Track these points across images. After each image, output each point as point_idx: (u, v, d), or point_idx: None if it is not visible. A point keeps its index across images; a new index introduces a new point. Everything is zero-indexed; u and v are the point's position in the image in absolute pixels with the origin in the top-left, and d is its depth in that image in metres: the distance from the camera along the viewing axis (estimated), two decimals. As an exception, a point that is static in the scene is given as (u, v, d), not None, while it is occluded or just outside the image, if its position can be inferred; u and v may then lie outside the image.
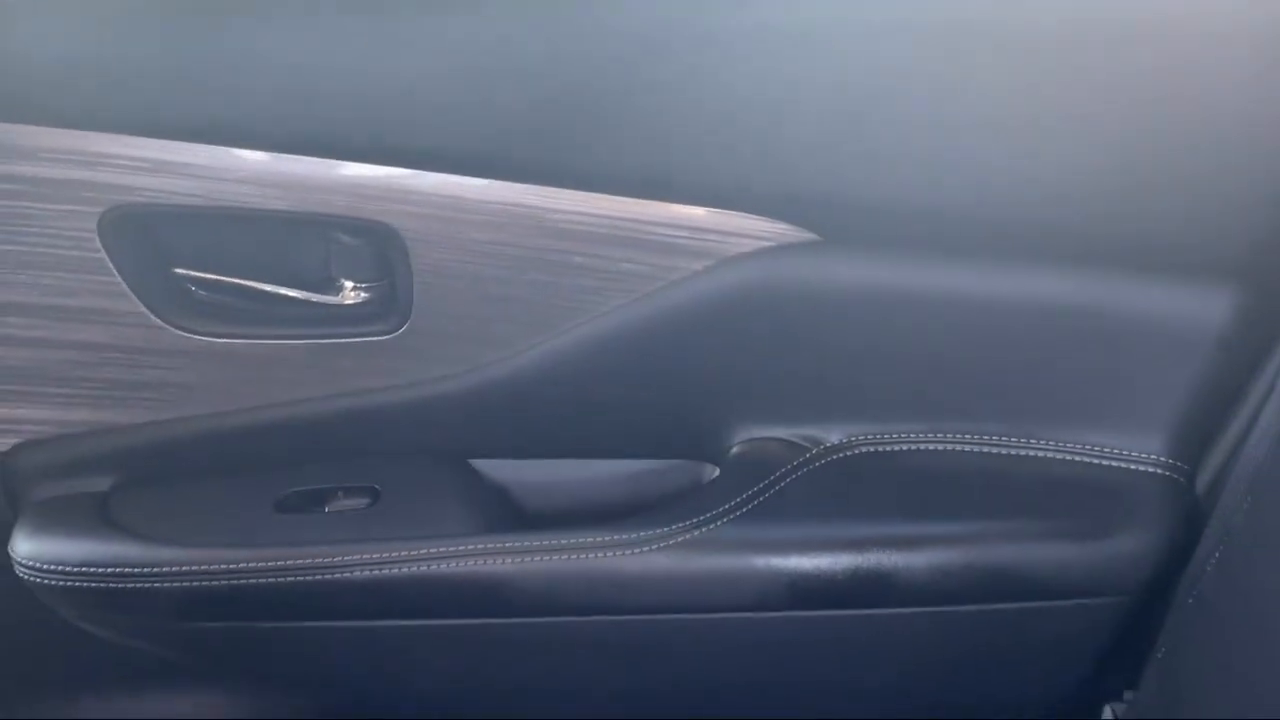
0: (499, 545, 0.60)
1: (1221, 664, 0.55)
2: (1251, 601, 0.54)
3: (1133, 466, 0.62)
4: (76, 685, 0.68)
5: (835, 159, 0.58)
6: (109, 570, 0.59)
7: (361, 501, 0.64)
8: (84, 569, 0.59)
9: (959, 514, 0.61)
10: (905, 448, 0.64)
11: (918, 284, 0.61)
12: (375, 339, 0.63)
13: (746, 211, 0.60)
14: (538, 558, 0.60)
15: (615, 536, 0.60)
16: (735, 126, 0.57)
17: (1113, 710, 0.63)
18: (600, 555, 0.60)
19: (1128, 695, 0.63)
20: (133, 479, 0.64)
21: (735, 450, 0.66)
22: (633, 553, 0.60)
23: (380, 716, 0.66)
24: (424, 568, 0.60)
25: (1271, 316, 0.58)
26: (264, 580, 0.59)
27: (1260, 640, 0.52)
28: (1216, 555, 0.58)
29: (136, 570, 0.59)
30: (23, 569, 0.60)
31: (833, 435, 0.65)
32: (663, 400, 0.65)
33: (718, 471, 0.66)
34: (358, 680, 0.64)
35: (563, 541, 0.60)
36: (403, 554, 0.60)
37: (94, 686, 0.68)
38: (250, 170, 0.58)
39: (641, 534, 0.60)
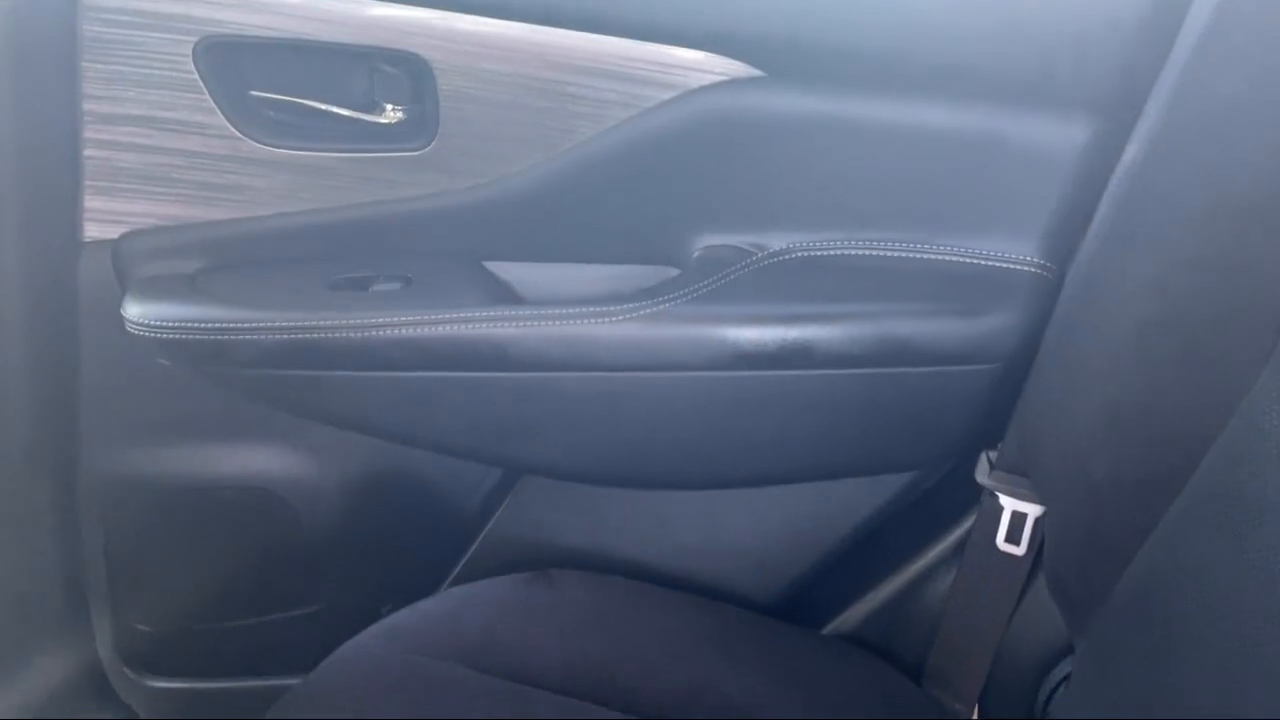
0: (503, 314, 0.76)
1: (1061, 414, 0.71)
2: (1079, 365, 0.70)
3: (1008, 266, 0.78)
4: (166, 430, 0.85)
5: (778, 5, 0.73)
6: (197, 325, 0.76)
7: (396, 285, 0.80)
8: (178, 324, 0.76)
9: (867, 299, 0.78)
10: (830, 253, 0.80)
11: (841, 115, 0.77)
12: (409, 154, 0.79)
13: (706, 50, 0.75)
14: (533, 324, 0.76)
15: (595, 308, 0.76)
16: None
17: (988, 457, 0.80)
18: (583, 322, 0.76)
19: (1000, 445, 0.80)
20: (216, 264, 0.80)
21: (696, 255, 0.82)
22: (609, 321, 0.76)
23: (413, 445, 0.83)
24: (443, 330, 0.76)
25: (1118, 140, 0.73)
26: (318, 336, 0.76)
27: (1084, 388, 0.68)
28: (1058, 329, 0.74)
29: (218, 325, 0.76)
30: (132, 326, 0.76)
31: (775, 243, 0.81)
32: (638, 212, 0.81)
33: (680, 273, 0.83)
34: (390, 420, 0.80)
35: (554, 311, 0.76)
36: (427, 319, 0.76)
37: (182, 432, 0.85)
38: (315, 10, 0.73)
39: (616, 307, 0.76)
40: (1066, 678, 0.78)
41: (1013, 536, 0.78)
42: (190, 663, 0.93)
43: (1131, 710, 0.60)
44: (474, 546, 0.90)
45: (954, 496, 0.86)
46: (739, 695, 0.73)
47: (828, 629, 0.90)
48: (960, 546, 0.84)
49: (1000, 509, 0.78)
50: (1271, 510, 0.51)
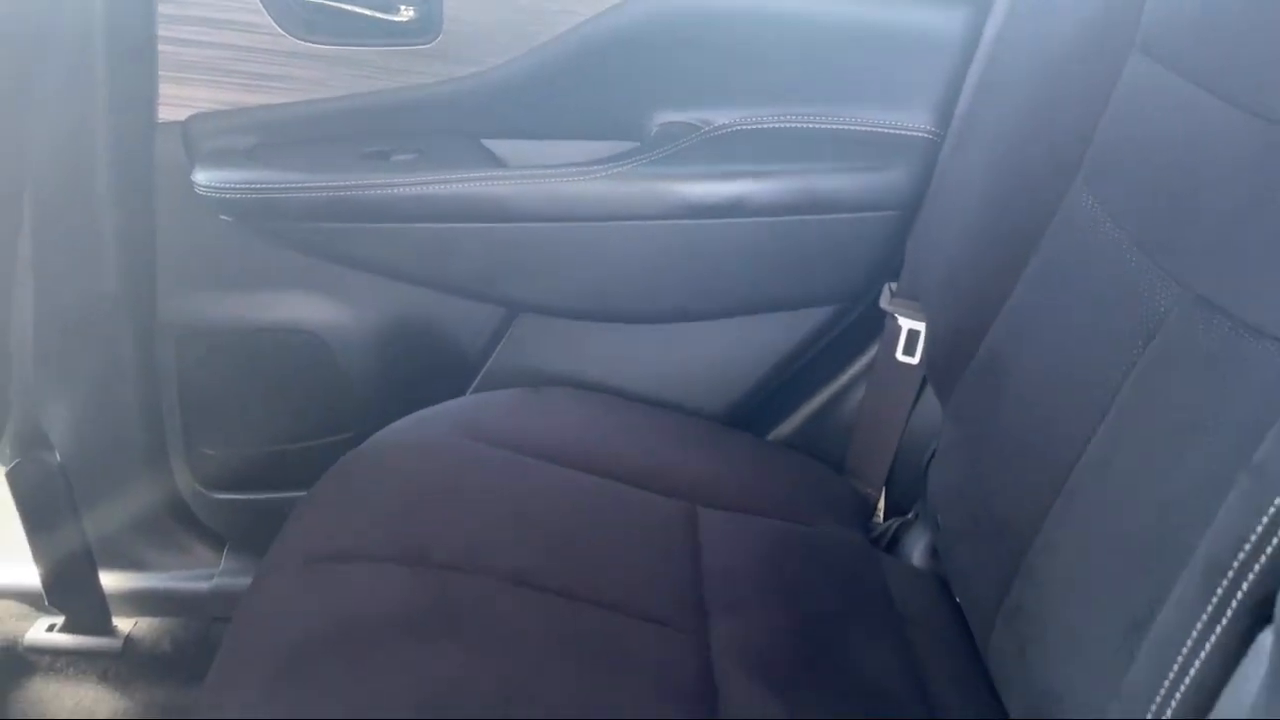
0: (500, 174, 0.95)
1: (938, 244, 0.91)
2: (950, 203, 0.89)
3: (902, 132, 0.97)
4: (227, 283, 1.04)
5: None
6: (253, 186, 0.94)
7: (411, 156, 0.99)
8: (238, 186, 0.94)
9: (791, 160, 0.97)
10: (761, 126, 0.99)
11: (763, 11, 0.95)
12: (420, 47, 0.97)
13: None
14: (526, 182, 0.95)
15: (576, 168, 0.95)
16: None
17: (889, 288, 0.99)
18: (566, 180, 0.95)
19: (899, 278, 0.99)
20: (267, 139, 0.98)
21: (654, 130, 1.01)
22: (587, 179, 0.95)
23: (427, 286, 1.02)
24: (451, 188, 0.95)
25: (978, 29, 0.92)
26: (350, 194, 0.95)
27: (954, 220, 0.87)
28: (938, 179, 0.93)
29: (270, 186, 0.94)
30: (200, 189, 0.95)
31: (718, 119, 1.00)
32: (606, 96, 1.00)
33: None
34: (409, 264, 1.00)
35: (543, 171, 0.95)
36: (438, 179, 0.95)
37: (239, 285, 1.04)
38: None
39: (593, 167, 0.95)
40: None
41: (908, 349, 0.98)
42: (249, 479, 1.13)
43: (974, 445, 0.81)
44: (479, 377, 1.10)
45: (866, 327, 1.06)
46: (703, 475, 0.93)
47: (770, 436, 1.10)
48: (871, 365, 1.04)
49: (899, 328, 0.98)
50: (1081, 279, 0.70)
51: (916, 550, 0.94)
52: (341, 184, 0.95)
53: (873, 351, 1.05)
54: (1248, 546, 0.47)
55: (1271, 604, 0.46)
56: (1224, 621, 0.48)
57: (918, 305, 0.97)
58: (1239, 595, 0.47)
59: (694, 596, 0.79)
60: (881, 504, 1.04)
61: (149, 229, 1.01)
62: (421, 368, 1.10)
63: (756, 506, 0.91)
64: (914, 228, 0.97)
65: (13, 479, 1.04)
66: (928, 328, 0.94)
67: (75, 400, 1.04)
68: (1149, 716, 0.51)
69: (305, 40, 0.96)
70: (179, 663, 1.12)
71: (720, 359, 1.07)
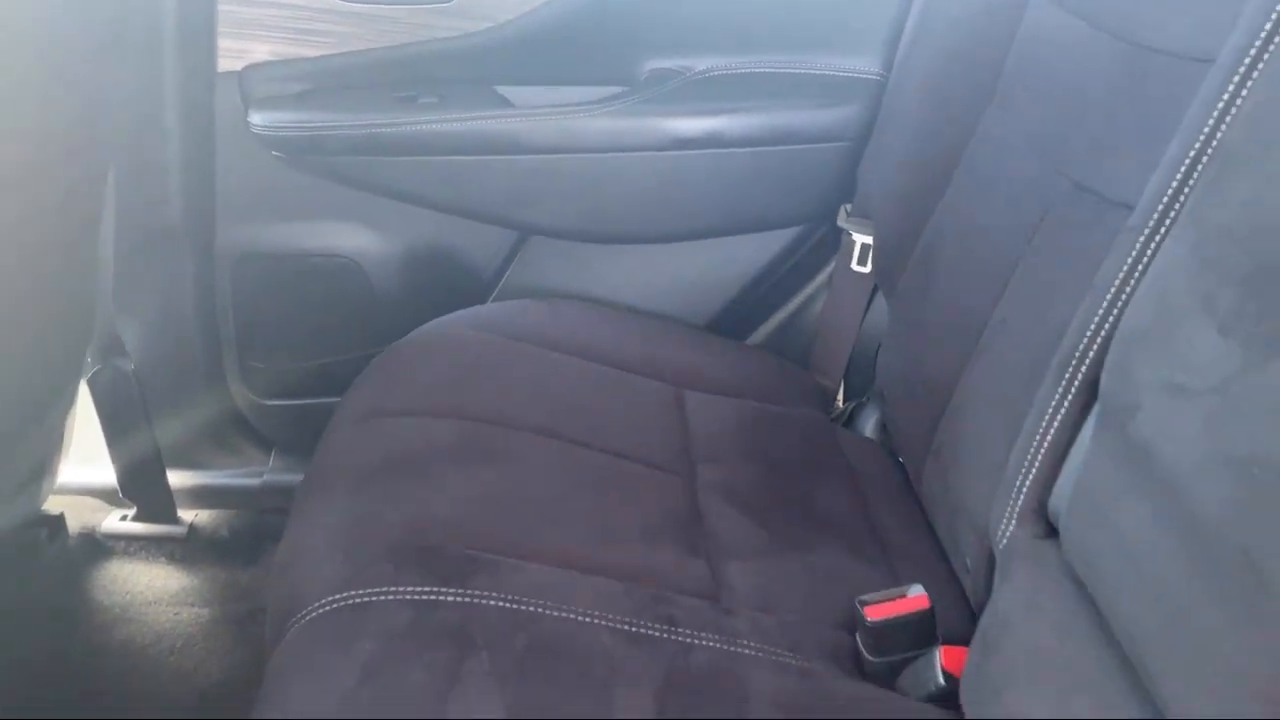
0: (513, 112, 1.12)
1: (882, 166, 1.08)
2: (891, 131, 1.06)
3: (855, 75, 1.14)
4: (277, 213, 1.20)
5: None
6: (302, 124, 1.11)
7: (435, 100, 1.15)
8: (288, 125, 1.11)
9: (760, 99, 1.14)
10: (736, 71, 1.16)
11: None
12: (441, 5, 1.13)
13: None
14: (535, 119, 1.12)
15: (579, 106, 1.12)
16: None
17: (845, 209, 1.16)
18: (570, 117, 1.12)
19: (853, 200, 1.16)
20: (312, 86, 1.14)
21: (645, 75, 1.17)
22: (588, 116, 1.12)
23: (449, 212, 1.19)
24: (471, 125, 1.12)
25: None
26: (384, 131, 1.12)
27: (893, 144, 1.04)
28: (883, 113, 1.10)
29: (316, 124, 1.11)
30: (255, 128, 1.11)
31: (700, 65, 1.16)
32: (602, 46, 1.16)
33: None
34: (435, 193, 1.16)
35: (549, 109, 1.12)
36: (459, 117, 1.11)
37: (287, 215, 1.20)
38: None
39: (593, 106, 1.12)
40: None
41: (861, 260, 1.15)
42: (293, 388, 1.30)
43: (910, 328, 0.98)
44: (494, 295, 1.26)
45: (826, 245, 1.23)
46: (688, 366, 1.10)
47: (750, 339, 1.28)
48: (830, 277, 1.21)
49: (853, 243, 1.15)
50: (992, 182, 0.87)
51: (868, 425, 1.12)
52: (376, 123, 1.12)
53: (832, 265, 1.22)
54: (1084, 342, 0.64)
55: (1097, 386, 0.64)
56: (1065, 407, 0.65)
57: (868, 222, 1.14)
58: (1077, 382, 0.64)
59: (682, 451, 0.96)
60: (841, 394, 1.21)
61: (209, 166, 1.17)
62: (443, 287, 1.26)
63: (734, 392, 1.09)
64: (864, 155, 1.14)
65: (93, 385, 1.20)
66: (875, 238, 1.11)
67: (145, 317, 1.21)
68: (1013, 494, 0.69)
69: (344, 1, 1.12)
70: (235, 547, 1.29)
71: (701, 275, 1.25)
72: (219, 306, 1.25)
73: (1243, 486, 0.48)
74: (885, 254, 1.08)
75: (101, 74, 1.05)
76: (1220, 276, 0.53)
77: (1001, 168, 0.89)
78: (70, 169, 0.99)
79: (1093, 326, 0.64)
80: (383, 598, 0.68)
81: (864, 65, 1.14)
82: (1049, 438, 0.67)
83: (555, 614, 0.70)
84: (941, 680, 0.71)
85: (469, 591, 0.69)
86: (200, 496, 1.31)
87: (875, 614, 0.75)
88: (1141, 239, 0.63)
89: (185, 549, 1.28)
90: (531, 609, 0.69)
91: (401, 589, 0.69)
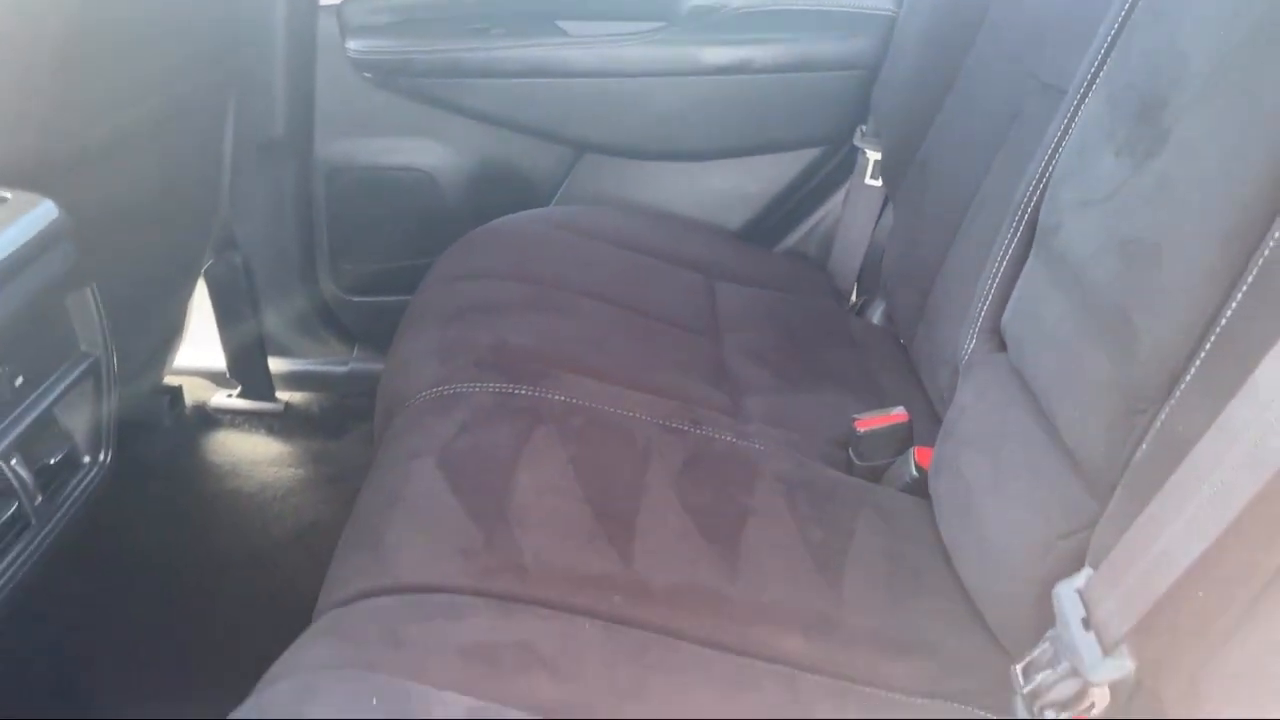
0: (568, 40, 1.29)
1: (892, 90, 1.24)
2: (901, 60, 1.22)
3: (871, 11, 1.31)
4: (365, 129, 1.39)
5: None
6: (391, 49, 1.30)
7: (504, 31, 1.33)
8: (379, 50, 1.30)
9: (787, 31, 1.31)
10: (766, 7, 1.33)
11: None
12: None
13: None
14: (588, 46, 1.30)
15: (627, 33, 1.29)
16: None
17: (860, 129, 1.32)
18: (619, 45, 1.30)
19: (866, 125, 1.32)
20: (398, 18, 1.33)
21: (686, 11, 1.34)
22: (633, 45, 1.30)
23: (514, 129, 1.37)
24: (532, 51, 1.30)
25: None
26: (461, 56, 1.31)
27: (903, 74, 1.20)
28: (893, 44, 1.26)
29: (403, 49, 1.29)
30: (351, 53, 1.30)
31: (735, 2, 1.33)
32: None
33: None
34: (502, 111, 1.34)
35: (600, 36, 1.29)
36: (523, 44, 1.30)
37: (374, 131, 1.39)
38: None
39: (640, 33, 1.29)
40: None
41: (874, 175, 1.31)
42: (375, 286, 1.49)
43: (909, 223, 1.14)
44: (552, 204, 1.44)
45: (844, 164, 1.39)
46: (719, 262, 1.27)
47: (776, 248, 1.45)
48: (847, 192, 1.38)
49: (867, 160, 1.32)
50: (979, 93, 1.03)
51: (875, 315, 1.28)
52: (454, 48, 1.31)
53: (849, 182, 1.38)
54: (1029, 191, 0.80)
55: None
56: (1014, 243, 0.81)
57: (879, 141, 1.30)
58: (1023, 224, 0.81)
59: (711, 323, 1.13)
60: (854, 295, 1.38)
61: (310, 88, 1.36)
62: (506, 199, 1.44)
63: (759, 284, 1.25)
64: (877, 82, 1.30)
65: (209, 276, 1.40)
66: (883, 153, 1.27)
67: (255, 219, 1.40)
68: (974, 318, 0.85)
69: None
70: (323, 423, 1.49)
71: (733, 190, 1.42)
72: (315, 212, 1.44)
73: (1123, 262, 0.64)
74: (891, 164, 1.24)
75: (227, 14, 1.25)
76: (1119, 116, 0.69)
77: (985, 83, 1.05)
78: (200, 81, 1.18)
79: (1036, 177, 0.80)
80: (470, 389, 0.86)
81: (878, 3, 1.30)
82: (1002, 270, 0.83)
83: (605, 409, 0.88)
84: (915, 472, 0.88)
85: (537, 389, 0.88)
86: (294, 380, 1.51)
87: (864, 425, 0.92)
88: (1073, 105, 0.79)
89: (281, 423, 1.48)
90: (586, 404, 0.87)
91: (484, 384, 0.87)
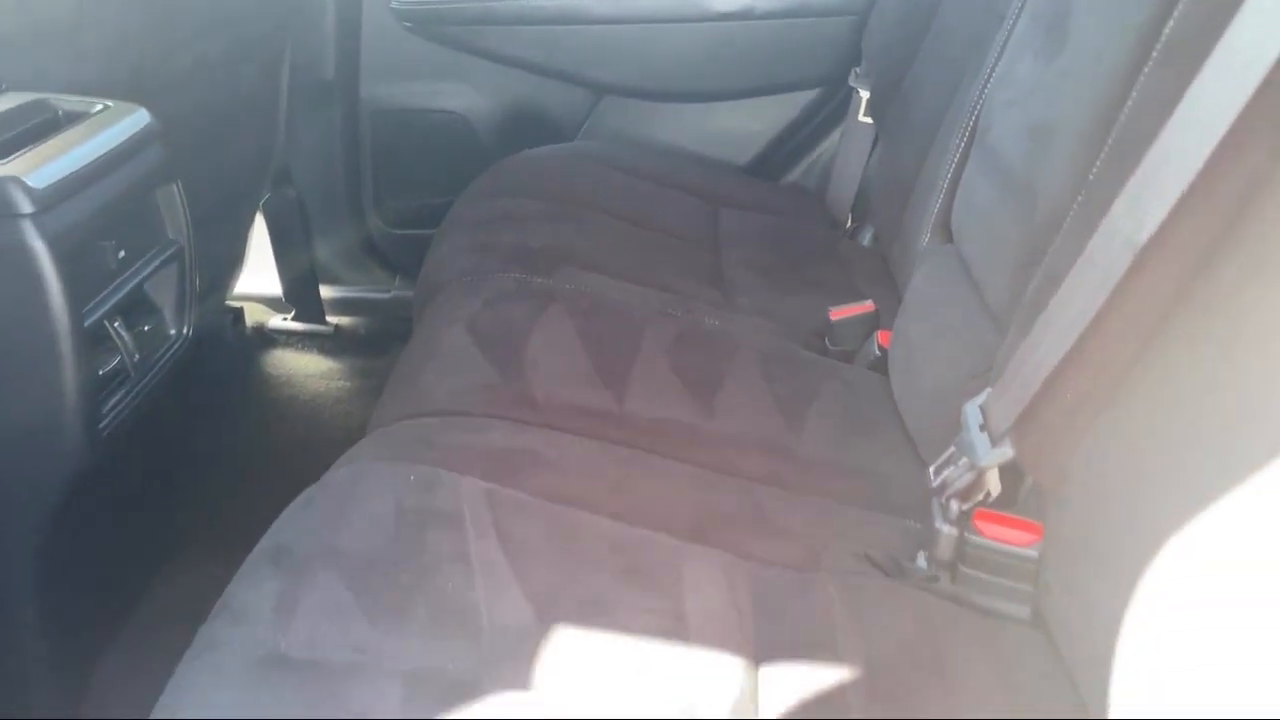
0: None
1: (884, 34, 1.36)
2: (893, 7, 1.34)
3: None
4: (406, 74, 1.53)
5: None
6: (432, 2, 1.43)
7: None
8: (414, 2, 1.43)
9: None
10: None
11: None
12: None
13: None
14: None
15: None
16: None
17: (855, 70, 1.44)
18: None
19: (859, 66, 1.44)
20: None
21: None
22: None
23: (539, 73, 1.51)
24: (551, 1, 1.43)
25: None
26: (494, 6, 1.44)
27: (894, 21, 1.32)
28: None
29: (446, 1, 1.43)
30: (393, 5, 1.44)
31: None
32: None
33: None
34: (529, 55, 1.49)
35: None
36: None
37: (413, 75, 1.53)
38: None
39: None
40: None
41: (867, 113, 1.44)
42: (415, 219, 1.64)
43: (892, 147, 1.26)
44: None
45: (841, 105, 1.51)
46: (725, 191, 1.40)
47: (781, 181, 1.58)
48: (843, 129, 1.50)
49: (861, 98, 1.44)
50: (954, 24, 1.15)
51: (865, 238, 1.41)
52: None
53: (845, 120, 1.50)
54: (974, 100, 0.92)
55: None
56: (961, 146, 0.94)
57: (871, 80, 1.42)
58: (969, 129, 0.93)
59: (713, 237, 1.27)
60: (849, 224, 1.50)
61: (356, 35, 1.51)
62: (534, 139, 1.58)
63: (759, 211, 1.39)
64: (868, 25, 1.42)
65: (266, 208, 1.56)
66: (872, 88, 1.39)
67: (307, 155, 1.56)
68: (928, 214, 0.98)
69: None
70: (369, 343, 1.65)
71: (739, 129, 1.55)
72: (361, 152, 1.59)
73: (1032, 143, 0.77)
74: (879, 97, 1.37)
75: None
76: (1036, 29, 0.82)
77: (960, 17, 1.17)
78: (263, 25, 1.33)
79: (979, 88, 0.93)
80: (495, 275, 1.01)
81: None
82: (950, 170, 0.96)
83: (609, 295, 1.02)
84: (878, 351, 1.01)
85: (552, 279, 1.02)
86: (343, 305, 1.67)
87: (837, 315, 1.06)
88: (1010, 27, 0.91)
89: (332, 343, 1.64)
90: (593, 291, 1.02)
91: (507, 273, 1.02)
